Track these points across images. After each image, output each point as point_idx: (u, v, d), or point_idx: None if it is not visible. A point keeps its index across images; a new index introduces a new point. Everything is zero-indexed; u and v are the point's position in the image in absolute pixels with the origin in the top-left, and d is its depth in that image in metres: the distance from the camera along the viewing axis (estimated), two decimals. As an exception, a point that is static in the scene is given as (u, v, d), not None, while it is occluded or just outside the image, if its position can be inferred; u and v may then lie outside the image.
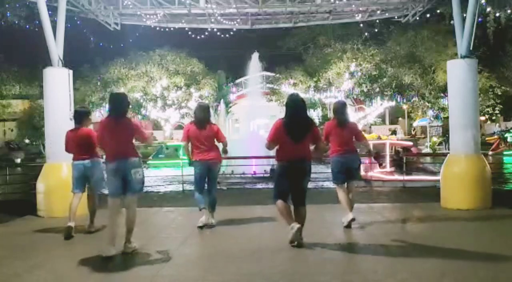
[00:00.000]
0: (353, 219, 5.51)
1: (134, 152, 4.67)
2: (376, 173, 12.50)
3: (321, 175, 10.50)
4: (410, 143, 16.04)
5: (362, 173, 12.61)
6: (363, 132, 6.68)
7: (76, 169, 5.57)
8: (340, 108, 5.79)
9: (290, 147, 4.64)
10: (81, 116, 5.68)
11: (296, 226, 4.58)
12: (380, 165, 12.82)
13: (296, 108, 4.70)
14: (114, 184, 4.60)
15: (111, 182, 4.63)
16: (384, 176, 12.18)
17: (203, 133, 5.66)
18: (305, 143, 4.70)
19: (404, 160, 11.59)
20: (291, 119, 4.67)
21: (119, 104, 4.77)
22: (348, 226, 5.53)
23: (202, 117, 5.75)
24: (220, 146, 5.95)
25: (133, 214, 4.69)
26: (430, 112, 28.45)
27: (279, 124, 4.69)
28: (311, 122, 4.84)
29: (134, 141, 4.81)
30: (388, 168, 12.50)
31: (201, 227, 5.65)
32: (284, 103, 4.85)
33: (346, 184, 5.80)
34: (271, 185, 11.59)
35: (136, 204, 4.73)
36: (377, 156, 12.97)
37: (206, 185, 5.87)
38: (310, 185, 10.12)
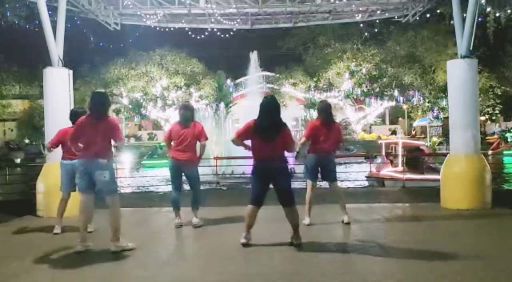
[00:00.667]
0: (309, 224, 5.67)
1: (105, 153, 4.67)
2: (387, 172, 12.74)
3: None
4: (422, 142, 16.27)
5: (373, 171, 13.05)
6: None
7: (65, 168, 5.53)
8: (325, 108, 5.85)
9: (261, 146, 4.68)
10: (79, 116, 5.48)
11: (245, 242, 4.72)
12: (392, 163, 13.10)
13: (269, 109, 4.75)
14: (82, 181, 4.69)
15: (80, 179, 4.71)
16: (396, 174, 12.31)
17: (185, 132, 5.67)
18: (276, 143, 4.69)
19: (404, 160, 11.71)
20: (263, 120, 4.71)
21: (100, 104, 4.76)
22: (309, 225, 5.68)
23: (186, 116, 5.76)
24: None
25: (114, 213, 4.70)
26: (430, 113, 28.47)
27: (251, 123, 4.77)
28: (284, 126, 4.78)
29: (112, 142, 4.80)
30: (400, 167, 12.65)
31: (179, 226, 5.75)
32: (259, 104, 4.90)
33: (329, 186, 5.97)
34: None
35: (118, 203, 4.75)
36: (389, 155, 13.35)
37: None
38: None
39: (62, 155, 5.64)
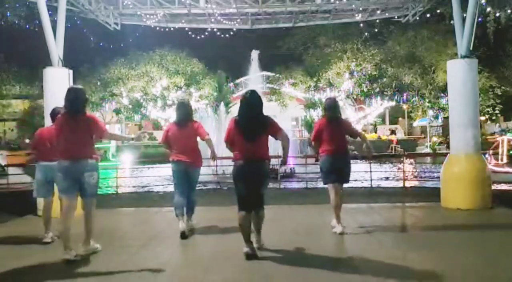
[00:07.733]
0: (342, 233, 5.25)
1: (91, 153, 4.51)
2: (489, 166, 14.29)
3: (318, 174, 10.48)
4: None
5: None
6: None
7: (44, 171, 5.20)
8: (330, 105, 5.55)
9: (244, 146, 4.43)
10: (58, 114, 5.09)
11: (250, 251, 4.36)
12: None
13: (249, 106, 4.45)
14: (65, 183, 4.43)
15: (62, 181, 4.44)
16: (496, 168, 13.56)
17: (183, 133, 5.39)
18: (260, 142, 4.45)
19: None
20: (243, 118, 4.46)
21: (76, 99, 4.56)
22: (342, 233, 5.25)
23: (182, 115, 5.47)
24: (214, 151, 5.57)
25: (92, 216, 4.59)
26: (430, 112, 28.48)
27: (232, 123, 4.51)
28: (267, 120, 4.48)
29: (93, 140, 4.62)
30: (503, 161, 14.33)
31: (183, 235, 5.24)
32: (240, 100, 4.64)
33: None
34: (272, 184, 11.63)
35: (95, 206, 4.64)
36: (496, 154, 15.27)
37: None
38: (309, 185, 10.21)
39: (38, 155, 5.31)
